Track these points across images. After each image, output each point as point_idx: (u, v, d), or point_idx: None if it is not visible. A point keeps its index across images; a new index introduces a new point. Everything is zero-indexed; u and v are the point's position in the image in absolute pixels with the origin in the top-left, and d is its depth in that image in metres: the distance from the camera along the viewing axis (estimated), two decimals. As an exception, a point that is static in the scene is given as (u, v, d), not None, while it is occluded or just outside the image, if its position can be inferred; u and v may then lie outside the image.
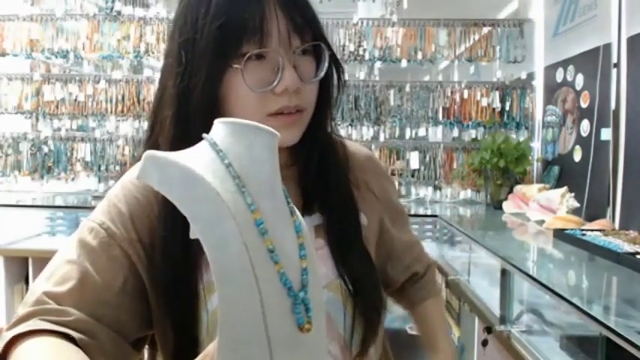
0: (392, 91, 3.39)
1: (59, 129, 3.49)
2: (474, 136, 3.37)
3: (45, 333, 0.57)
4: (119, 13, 3.42)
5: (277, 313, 0.45)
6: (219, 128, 0.51)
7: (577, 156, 2.64)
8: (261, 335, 0.43)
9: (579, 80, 2.63)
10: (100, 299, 0.63)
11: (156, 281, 0.68)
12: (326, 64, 0.70)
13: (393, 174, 3.36)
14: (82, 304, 0.62)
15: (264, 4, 0.65)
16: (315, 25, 0.70)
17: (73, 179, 3.47)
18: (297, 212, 0.55)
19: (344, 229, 0.77)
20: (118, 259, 0.66)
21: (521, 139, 3.18)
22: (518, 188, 2.91)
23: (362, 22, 3.40)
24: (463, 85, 3.37)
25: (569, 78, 2.75)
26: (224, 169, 0.47)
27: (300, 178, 0.78)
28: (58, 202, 3.20)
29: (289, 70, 0.66)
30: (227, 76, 0.66)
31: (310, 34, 0.69)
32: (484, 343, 1.83)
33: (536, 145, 3.24)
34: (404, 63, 3.36)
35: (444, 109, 3.36)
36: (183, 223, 0.47)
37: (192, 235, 0.44)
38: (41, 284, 0.64)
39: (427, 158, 3.39)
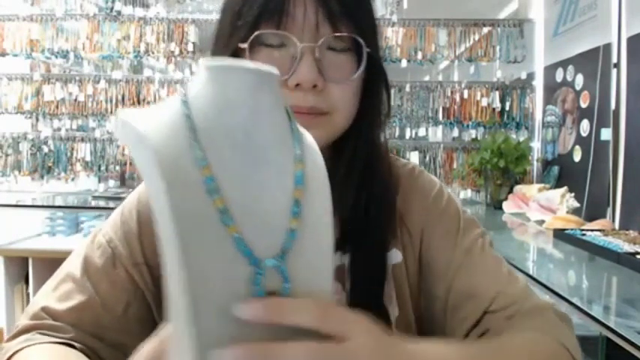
0: (392, 91, 3.38)
1: (59, 129, 3.48)
2: (473, 136, 3.37)
3: (46, 343, 0.57)
4: (119, 13, 3.41)
5: (226, 286, 0.37)
6: (201, 72, 0.44)
7: (577, 156, 2.64)
8: (185, 310, 0.36)
9: (579, 80, 2.63)
10: (100, 322, 0.61)
11: (162, 305, 0.62)
12: (363, 65, 0.59)
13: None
14: (81, 324, 0.60)
15: None
16: (358, 16, 0.59)
17: (73, 179, 3.47)
18: (307, 159, 0.45)
19: (371, 276, 0.64)
20: (121, 282, 0.63)
21: (521, 139, 3.18)
22: (518, 188, 2.90)
23: (362, 22, 3.39)
24: (463, 85, 3.37)
25: (569, 78, 2.75)
26: (183, 121, 0.40)
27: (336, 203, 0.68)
28: (58, 202, 3.20)
29: (307, 62, 0.56)
30: (240, 57, 0.58)
31: (348, 26, 0.58)
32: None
33: (536, 145, 3.24)
34: (404, 63, 3.35)
35: (444, 109, 3.36)
36: None
37: None
38: (43, 296, 0.63)
39: (427, 158, 3.39)
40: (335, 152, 0.64)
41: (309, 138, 0.48)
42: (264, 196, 0.41)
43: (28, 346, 0.56)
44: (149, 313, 0.64)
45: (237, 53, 0.58)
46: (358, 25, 0.59)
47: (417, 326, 0.68)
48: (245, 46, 0.56)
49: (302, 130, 0.47)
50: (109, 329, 0.61)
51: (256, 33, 0.56)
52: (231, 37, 0.59)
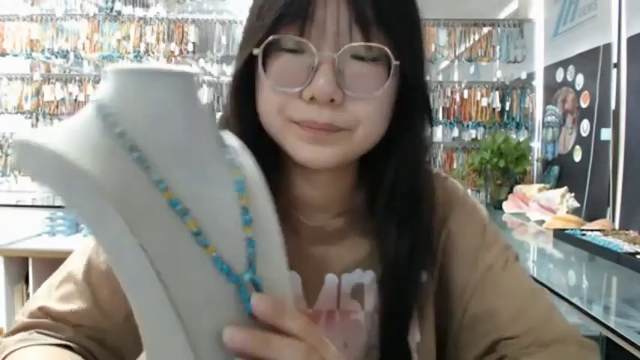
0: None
1: (59, 129, 3.48)
2: (473, 136, 3.37)
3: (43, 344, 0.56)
4: (119, 13, 3.41)
5: (212, 308, 0.36)
6: (112, 81, 0.38)
7: (577, 156, 2.64)
8: (182, 342, 0.34)
9: (579, 80, 2.63)
10: (99, 328, 0.59)
11: None
12: (389, 79, 0.51)
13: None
14: (80, 327, 0.59)
15: None
16: (393, 23, 0.51)
17: (73, 179, 3.46)
18: (240, 163, 0.44)
19: (399, 299, 0.60)
20: (123, 291, 0.61)
21: (521, 139, 3.18)
22: (518, 188, 2.90)
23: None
24: (463, 85, 3.36)
25: (569, 78, 2.75)
26: (114, 140, 0.36)
27: (366, 219, 0.61)
28: (58, 202, 3.19)
29: (324, 73, 0.49)
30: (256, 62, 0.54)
31: (379, 34, 0.50)
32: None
33: (536, 145, 3.24)
34: (404, 63, 3.34)
35: (444, 109, 3.36)
36: None
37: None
38: (44, 295, 0.61)
39: (427, 158, 3.38)
40: (371, 182, 0.60)
41: (230, 136, 0.47)
42: (216, 210, 0.39)
43: (25, 346, 0.55)
44: None
45: (251, 59, 0.53)
46: (391, 34, 0.51)
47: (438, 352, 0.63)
48: (257, 52, 0.51)
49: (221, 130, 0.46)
50: (108, 334, 0.60)
51: (269, 39, 0.50)
52: (248, 41, 0.54)
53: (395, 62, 0.51)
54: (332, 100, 0.50)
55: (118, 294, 0.58)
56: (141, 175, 0.36)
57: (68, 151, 0.33)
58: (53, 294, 0.61)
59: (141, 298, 0.34)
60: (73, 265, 0.62)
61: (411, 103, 0.57)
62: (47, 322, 0.59)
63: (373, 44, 0.50)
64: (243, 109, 0.57)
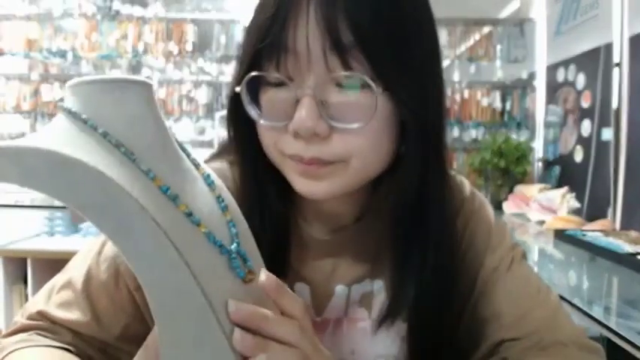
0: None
1: (58, 129, 3.48)
2: (474, 136, 3.37)
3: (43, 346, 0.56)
4: (117, 12, 3.41)
5: (214, 275, 0.41)
6: (80, 93, 0.42)
7: (578, 156, 2.63)
8: (202, 305, 0.39)
9: (580, 80, 2.62)
10: (98, 338, 0.59)
11: None
12: (375, 109, 0.46)
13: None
14: (79, 334, 0.58)
15: (296, 1, 0.46)
16: (382, 48, 0.46)
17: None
18: (202, 164, 0.48)
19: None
20: (121, 302, 0.59)
21: (522, 139, 3.17)
22: (518, 188, 2.89)
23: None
24: (464, 85, 3.36)
25: (570, 78, 2.74)
26: (99, 140, 0.39)
27: (376, 229, 0.60)
28: (57, 202, 3.18)
29: (305, 106, 0.46)
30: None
31: (360, 60, 0.45)
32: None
33: (537, 145, 3.23)
34: (404, 63, 3.34)
35: (444, 109, 3.35)
36: None
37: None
38: (43, 298, 0.60)
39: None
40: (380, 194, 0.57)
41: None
42: (198, 198, 0.44)
43: (25, 347, 0.55)
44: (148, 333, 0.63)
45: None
46: (376, 60, 0.45)
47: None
48: (238, 89, 0.50)
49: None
50: (105, 343, 0.59)
51: (247, 78, 0.49)
52: (234, 78, 0.52)
53: (377, 90, 0.46)
54: (318, 134, 0.47)
55: (116, 306, 0.59)
56: (131, 165, 0.39)
57: (60, 149, 0.36)
58: (52, 299, 0.60)
59: (158, 269, 0.38)
60: (74, 271, 0.61)
61: (411, 137, 0.51)
62: (46, 325, 0.58)
63: (347, 73, 0.46)
64: (244, 133, 0.55)
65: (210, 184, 0.47)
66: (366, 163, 0.50)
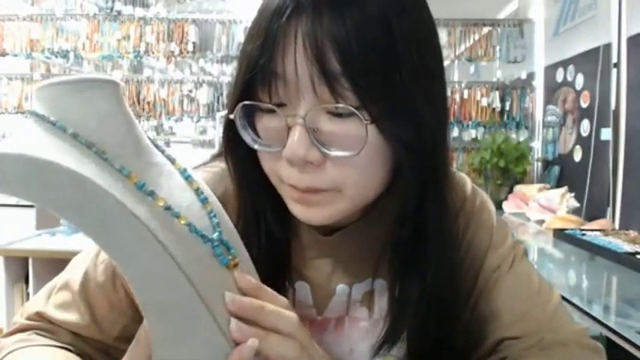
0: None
1: (59, 129, 3.48)
2: (473, 136, 3.37)
3: (43, 345, 0.56)
4: (119, 12, 3.42)
5: (199, 265, 0.41)
6: (47, 96, 0.41)
7: (577, 156, 2.64)
8: (190, 294, 0.39)
9: (579, 80, 2.63)
10: (97, 339, 0.59)
11: None
12: (365, 139, 0.44)
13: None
14: (78, 335, 0.59)
15: (285, 29, 0.44)
16: (371, 78, 0.44)
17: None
18: (176, 160, 0.49)
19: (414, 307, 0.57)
20: (119, 304, 0.58)
21: (522, 139, 3.19)
22: (518, 188, 2.90)
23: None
24: (463, 85, 3.37)
25: (569, 78, 2.75)
26: (69, 141, 0.39)
27: (378, 228, 0.58)
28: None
29: (296, 135, 0.45)
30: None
31: (352, 90, 0.44)
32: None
33: (536, 145, 3.24)
34: (404, 63, 3.35)
35: (444, 109, 3.35)
36: None
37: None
38: (42, 299, 0.61)
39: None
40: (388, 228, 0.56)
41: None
42: (176, 192, 0.44)
43: (24, 347, 0.55)
44: None
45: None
46: (366, 90, 0.44)
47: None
48: (232, 116, 0.49)
49: None
50: (106, 345, 0.59)
51: (239, 106, 0.48)
52: (231, 98, 0.51)
53: (366, 121, 0.44)
54: (311, 162, 0.46)
55: (114, 308, 0.59)
56: (104, 164, 0.39)
57: (30, 151, 0.35)
58: (51, 300, 0.60)
59: (143, 264, 0.38)
60: (72, 273, 0.61)
61: (405, 166, 0.49)
62: (45, 325, 0.59)
63: (335, 105, 0.44)
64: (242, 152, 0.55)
65: (188, 177, 0.47)
66: (360, 191, 0.50)
